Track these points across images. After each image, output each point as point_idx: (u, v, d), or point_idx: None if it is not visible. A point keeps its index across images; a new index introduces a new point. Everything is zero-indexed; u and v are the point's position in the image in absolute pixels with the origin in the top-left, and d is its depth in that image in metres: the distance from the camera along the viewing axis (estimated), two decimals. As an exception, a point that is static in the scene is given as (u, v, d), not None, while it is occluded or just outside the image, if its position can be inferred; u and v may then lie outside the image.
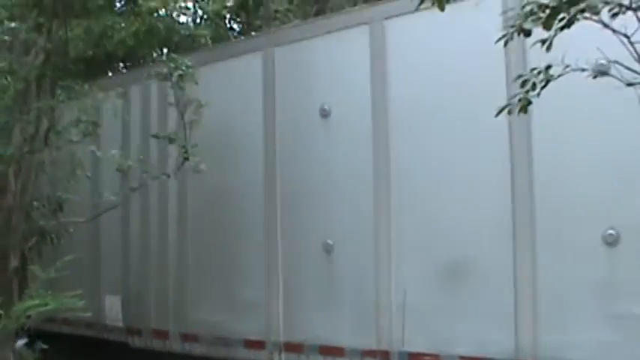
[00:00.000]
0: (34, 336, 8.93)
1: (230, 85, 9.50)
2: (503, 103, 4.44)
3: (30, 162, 9.00)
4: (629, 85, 4.04)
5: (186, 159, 9.03)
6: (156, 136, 9.59)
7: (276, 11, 14.89)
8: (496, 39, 4.32)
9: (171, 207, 10.12)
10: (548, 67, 4.25)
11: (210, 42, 14.04)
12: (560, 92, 4.49)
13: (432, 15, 5.14)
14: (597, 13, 3.89)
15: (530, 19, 3.94)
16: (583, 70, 4.28)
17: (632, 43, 4.00)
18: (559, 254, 6.56)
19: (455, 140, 7.29)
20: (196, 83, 9.23)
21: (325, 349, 8.09)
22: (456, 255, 7.24)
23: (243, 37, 14.39)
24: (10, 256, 8.91)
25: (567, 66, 4.27)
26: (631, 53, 4.07)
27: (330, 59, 8.46)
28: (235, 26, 16.69)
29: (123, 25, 10.30)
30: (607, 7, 3.91)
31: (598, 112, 6.33)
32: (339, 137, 8.28)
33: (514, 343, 6.70)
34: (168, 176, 9.33)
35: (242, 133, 9.31)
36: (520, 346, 6.67)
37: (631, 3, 3.93)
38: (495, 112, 4.41)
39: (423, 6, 4.61)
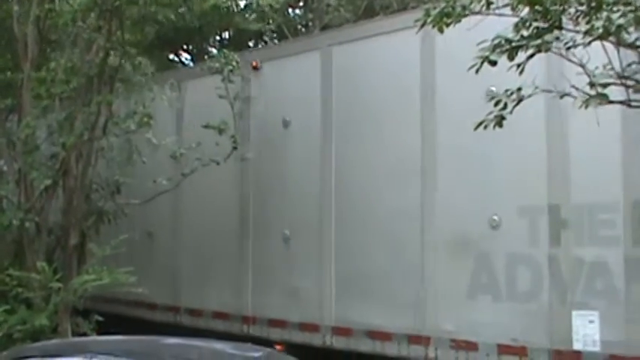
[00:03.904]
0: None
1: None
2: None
3: (90, 148, 9.77)
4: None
5: (235, 148, 9.74)
6: (207, 127, 9.88)
7: (328, 5, 15.44)
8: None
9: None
10: (519, 88, 4.84)
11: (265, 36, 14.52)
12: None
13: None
14: (548, 49, 4.47)
15: (496, 51, 4.54)
16: (550, 91, 4.88)
17: (586, 71, 4.57)
18: (260, 243, 10.07)
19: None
20: (244, 78, 9.90)
21: (140, 304, 11.49)
22: (208, 243, 10.89)
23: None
24: (70, 234, 9.74)
25: (536, 87, 4.86)
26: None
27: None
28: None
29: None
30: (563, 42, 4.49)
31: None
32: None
33: (241, 303, 10.20)
34: (218, 163, 9.69)
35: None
36: (243, 304, 10.18)
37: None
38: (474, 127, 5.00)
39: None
